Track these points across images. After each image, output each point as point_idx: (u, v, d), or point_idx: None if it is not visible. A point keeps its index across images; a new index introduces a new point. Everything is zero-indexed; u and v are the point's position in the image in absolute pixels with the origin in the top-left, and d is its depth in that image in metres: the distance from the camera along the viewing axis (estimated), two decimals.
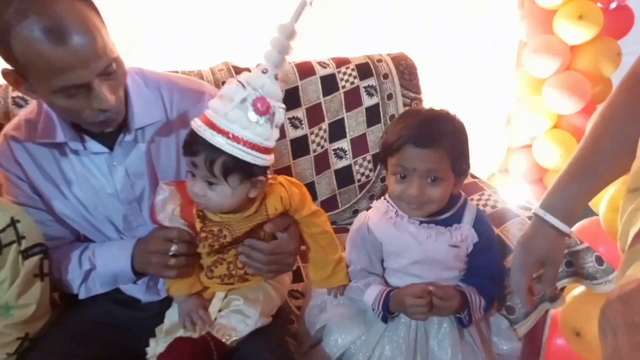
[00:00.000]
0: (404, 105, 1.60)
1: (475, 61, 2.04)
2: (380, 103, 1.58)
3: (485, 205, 1.30)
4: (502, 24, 2.03)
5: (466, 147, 0.98)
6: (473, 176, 1.45)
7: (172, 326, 0.96)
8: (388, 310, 0.96)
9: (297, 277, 1.26)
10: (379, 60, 1.60)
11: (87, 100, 0.84)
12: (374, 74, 1.58)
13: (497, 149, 2.24)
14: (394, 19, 1.88)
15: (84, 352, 0.94)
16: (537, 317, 1.11)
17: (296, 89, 1.51)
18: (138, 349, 0.96)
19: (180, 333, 0.92)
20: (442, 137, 0.92)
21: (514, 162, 2.21)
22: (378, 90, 1.58)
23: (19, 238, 0.91)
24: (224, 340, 0.90)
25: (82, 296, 1.01)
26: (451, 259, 0.98)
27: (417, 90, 1.63)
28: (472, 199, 1.31)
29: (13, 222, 0.91)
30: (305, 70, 1.53)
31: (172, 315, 0.98)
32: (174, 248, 0.92)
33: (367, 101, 1.58)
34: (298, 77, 1.51)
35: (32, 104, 1.01)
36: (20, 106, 1.26)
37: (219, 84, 1.42)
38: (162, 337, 0.95)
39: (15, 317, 0.92)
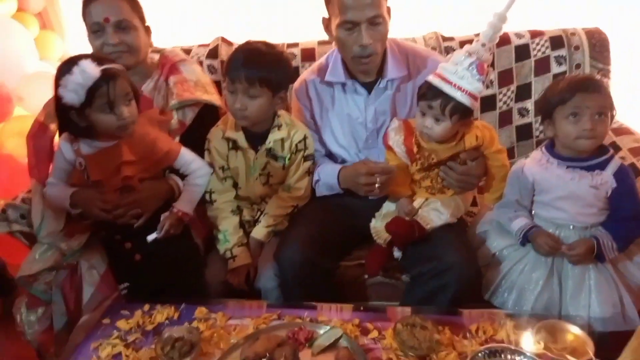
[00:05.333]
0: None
1: None
2: (567, 71, 1.81)
3: None
4: None
5: None
6: None
7: (387, 213, 1.43)
8: (527, 239, 1.27)
9: (473, 202, 1.63)
10: (573, 34, 1.81)
11: (355, 38, 1.33)
12: (566, 46, 1.80)
13: None
14: None
15: (329, 217, 1.46)
16: None
17: (492, 55, 1.81)
18: (360, 225, 1.45)
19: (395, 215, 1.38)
20: (603, 85, 1.25)
21: None
22: (567, 59, 1.80)
23: (305, 148, 1.47)
24: (423, 225, 1.34)
25: (318, 194, 1.53)
26: (591, 198, 1.23)
27: (606, 62, 1.80)
28: None
29: (305, 137, 1.47)
30: (502, 40, 1.81)
31: (387, 206, 1.45)
32: (379, 180, 1.32)
33: (555, 69, 1.82)
34: (494, 46, 1.80)
35: (321, 59, 1.55)
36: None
37: (429, 48, 1.81)
38: (380, 218, 1.42)
39: (292, 193, 1.50)
